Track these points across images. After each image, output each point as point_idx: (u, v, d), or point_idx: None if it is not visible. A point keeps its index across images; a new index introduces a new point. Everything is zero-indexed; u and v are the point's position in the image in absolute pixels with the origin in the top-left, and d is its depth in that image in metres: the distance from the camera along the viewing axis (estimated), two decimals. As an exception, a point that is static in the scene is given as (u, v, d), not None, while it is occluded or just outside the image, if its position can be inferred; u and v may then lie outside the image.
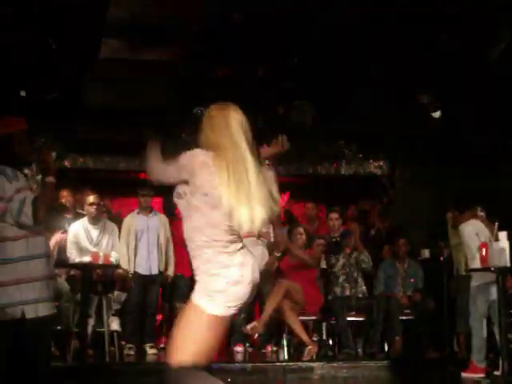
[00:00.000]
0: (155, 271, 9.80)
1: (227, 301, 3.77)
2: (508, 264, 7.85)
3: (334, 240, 10.08)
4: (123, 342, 9.69)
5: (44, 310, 4.75)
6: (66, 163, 11.53)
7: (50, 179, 4.75)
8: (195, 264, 3.86)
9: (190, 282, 8.70)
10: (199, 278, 3.84)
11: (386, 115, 10.90)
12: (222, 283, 3.76)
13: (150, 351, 9.66)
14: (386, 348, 9.74)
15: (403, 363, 9.26)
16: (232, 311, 3.80)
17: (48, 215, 4.78)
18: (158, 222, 9.92)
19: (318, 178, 12.71)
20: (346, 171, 12.45)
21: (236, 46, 8.68)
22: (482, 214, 8.88)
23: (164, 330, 10.28)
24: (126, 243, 9.68)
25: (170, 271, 9.86)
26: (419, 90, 10.28)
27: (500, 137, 11.18)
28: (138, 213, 9.95)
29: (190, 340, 3.76)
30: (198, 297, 3.80)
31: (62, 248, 9.17)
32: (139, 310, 9.77)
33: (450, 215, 10.22)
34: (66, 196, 9.74)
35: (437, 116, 10.50)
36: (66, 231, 9.25)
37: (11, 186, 4.65)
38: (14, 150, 4.82)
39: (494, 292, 8.25)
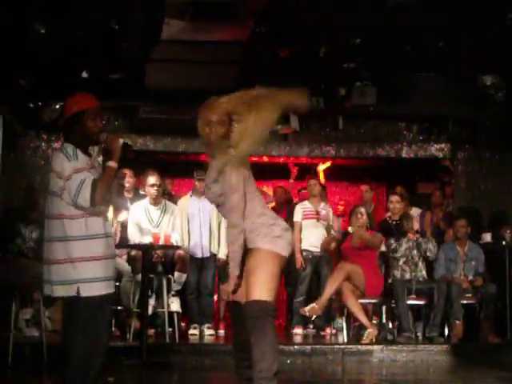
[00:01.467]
0: (207, 254, 9.82)
1: (286, 243, 4.68)
2: None
3: (394, 223, 10.02)
4: (182, 324, 9.78)
5: (100, 289, 4.76)
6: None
7: (112, 164, 4.76)
8: (248, 223, 4.64)
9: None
10: (258, 231, 4.65)
11: (448, 97, 10.76)
12: (279, 230, 4.68)
13: (208, 332, 9.70)
14: (447, 332, 9.65)
15: (463, 348, 9.19)
16: (288, 252, 4.71)
17: (106, 198, 4.78)
18: (210, 206, 9.84)
19: (379, 160, 12.60)
20: (406, 154, 12.29)
21: (298, 27, 8.63)
22: None
23: (220, 312, 10.24)
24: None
25: (222, 254, 9.74)
26: (483, 71, 10.14)
27: None
28: (191, 196, 9.96)
29: (266, 278, 4.57)
30: (261, 244, 4.63)
31: (123, 228, 9.25)
32: (198, 291, 9.81)
33: None
34: (128, 176, 9.81)
35: (501, 98, 10.34)
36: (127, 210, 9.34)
37: (70, 165, 4.66)
38: (87, 124, 4.82)
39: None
